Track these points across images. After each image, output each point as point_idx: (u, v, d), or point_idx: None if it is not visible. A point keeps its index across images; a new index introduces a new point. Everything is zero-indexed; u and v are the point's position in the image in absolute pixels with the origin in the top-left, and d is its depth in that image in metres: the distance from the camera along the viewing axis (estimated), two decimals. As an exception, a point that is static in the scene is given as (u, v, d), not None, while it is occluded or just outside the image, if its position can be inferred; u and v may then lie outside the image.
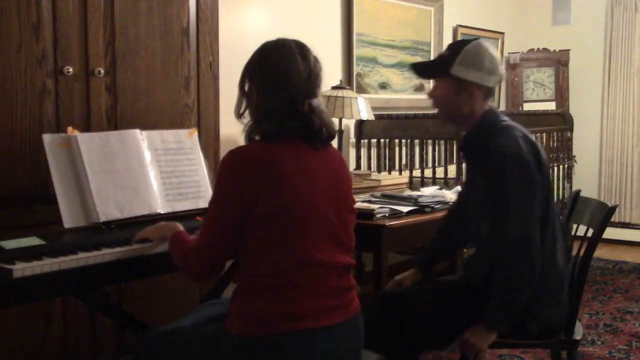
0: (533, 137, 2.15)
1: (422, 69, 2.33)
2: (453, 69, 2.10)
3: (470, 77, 2.10)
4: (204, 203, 2.35)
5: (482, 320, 2.07)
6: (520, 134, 2.11)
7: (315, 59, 1.81)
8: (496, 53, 2.16)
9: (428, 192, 3.24)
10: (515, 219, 2.01)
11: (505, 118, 2.19)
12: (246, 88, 1.82)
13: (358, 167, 4.28)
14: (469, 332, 2.08)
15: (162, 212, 2.28)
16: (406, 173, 4.13)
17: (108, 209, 2.15)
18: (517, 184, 2.02)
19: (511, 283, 2.03)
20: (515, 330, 2.11)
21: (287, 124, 1.74)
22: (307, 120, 1.76)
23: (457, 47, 2.14)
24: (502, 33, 5.86)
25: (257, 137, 1.77)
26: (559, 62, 5.90)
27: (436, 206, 2.94)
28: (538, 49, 5.99)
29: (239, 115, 1.83)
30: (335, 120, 3.76)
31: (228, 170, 1.72)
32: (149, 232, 2.04)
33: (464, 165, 2.73)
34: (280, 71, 1.75)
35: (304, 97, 1.76)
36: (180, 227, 1.95)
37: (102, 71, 2.46)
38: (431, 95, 2.21)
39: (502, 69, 2.16)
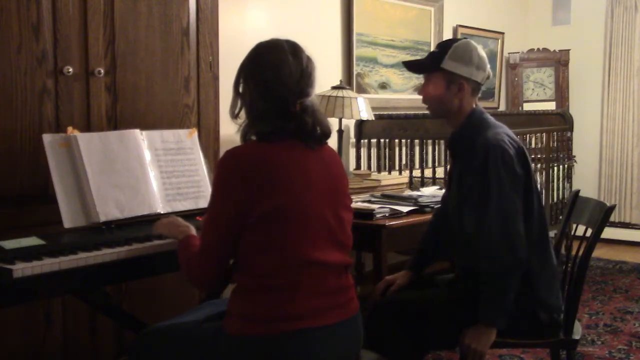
0: (517, 137, 2.22)
1: (414, 66, 2.40)
2: (444, 63, 2.18)
3: (459, 71, 2.18)
4: (204, 203, 2.35)
5: (479, 320, 2.08)
6: (505, 132, 2.19)
7: (308, 59, 1.81)
8: (483, 52, 2.25)
9: (428, 192, 3.24)
10: (496, 209, 2.06)
11: (491, 118, 2.26)
12: (240, 89, 1.83)
13: (358, 167, 4.28)
14: (468, 337, 2.08)
15: (162, 212, 2.28)
16: (406, 173, 4.14)
17: (108, 209, 2.15)
18: (499, 175, 2.07)
19: (494, 273, 2.06)
20: (525, 323, 2.14)
21: (280, 124, 1.75)
22: (299, 120, 1.76)
23: (447, 44, 2.23)
24: (502, 33, 5.86)
25: (252, 137, 1.78)
26: (559, 62, 5.90)
27: (436, 206, 2.94)
28: (538, 49, 5.99)
29: (234, 116, 1.84)
30: (335, 120, 3.76)
31: (225, 171, 1.72)
32: (161, 227, 2.04)
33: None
34: (272, 71, 1.76)
35: (296, 97, 1.76)
36: (192, 230, 1.93)
37: (102, 71, 2.46)
38: (422, 90, 2.28)
39: (489, 67, 2.25)
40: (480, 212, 2.08)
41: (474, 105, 2.24)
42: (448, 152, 2.54)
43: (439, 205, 2.57)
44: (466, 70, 2.17)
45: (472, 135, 2.18)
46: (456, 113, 2.22)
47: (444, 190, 3.24)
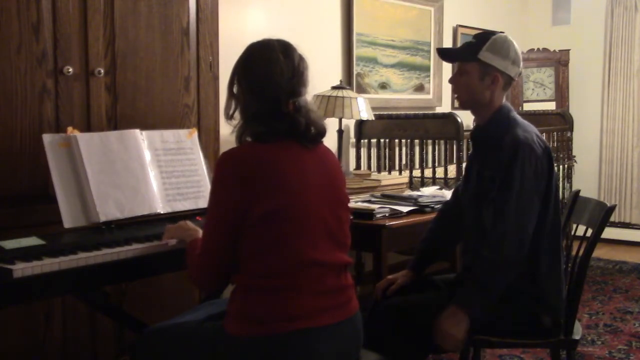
0: (543, 137, 2.23)
1: (448, 54, 2.42)
2: (480, 54, 2.18)
3: (495, 63, 2.18)
4: (203, 203, 2.34)
5: (455, 301, 2.07)
6: (534, 131, 2.20)
7: (300, 58, 1.80)
8: (519, 48, 2.25)
9: (428, 192, 3.25)
10: (515, 207, 2.06)
11: (519, 116, 2.26)
12: (235, 90, 1.83)
13: (358, 167, 4.28)
14: (443, 322, 2.07)
15: (162, 212, 2.28)
16: (406, 173, 4.13)
17: (108, 209, 2.15)
18: (524, 175, 2.07)
19: (497, 265, 2.05)
20: (526, 324, 2.14)
21: (273, 125, 1.75)
22: (292, 120, 1.76)
23: (485, 35, 2.24)
24: (502, 33, 5.85)
25: (248, 138, 1.78)
26: (559, 62, 5.90)
27: (436, 206, 2.94)
28: (538, 49, 5.99)
29: (229, 117, 1.84)
30: (335, 120, 3.76)
31: (222, 173, 1.73)
32: (171, 231, 2.05)
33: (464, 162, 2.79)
34: (263, 71, 1.76)
35: (288, 96, 1.76)
36: (199, 233, 1.93)
37: (102, 71, 2.46)
38: (454, 79, 2.28)
39: (522, 64, 2.27)
40: (497, 208, 2.08)
41: (503, 101, 2.25)
42: (469, 144, 2.53)
43: (446, 202, 2.57)
44: (502, 63, 2.18)
45: (498, 131, 2.17)
46: (485, 106, 2.22)
47: (444, 190, 3.25)
